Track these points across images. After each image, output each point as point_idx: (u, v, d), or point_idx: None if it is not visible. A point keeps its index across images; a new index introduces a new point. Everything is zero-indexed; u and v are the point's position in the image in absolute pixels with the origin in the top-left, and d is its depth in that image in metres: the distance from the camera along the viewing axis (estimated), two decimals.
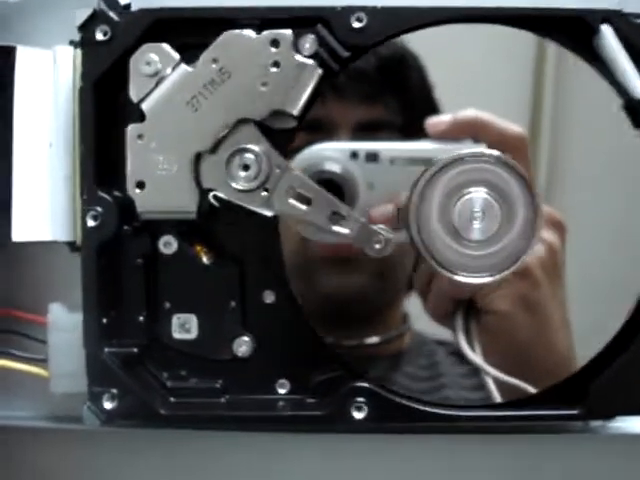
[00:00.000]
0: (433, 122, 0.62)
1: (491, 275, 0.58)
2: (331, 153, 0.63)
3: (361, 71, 0.63)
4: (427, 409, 0.59)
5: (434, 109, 0.64)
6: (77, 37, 0.59)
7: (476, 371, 0.62)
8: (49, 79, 0.61)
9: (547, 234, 0.61)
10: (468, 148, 0.59)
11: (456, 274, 0.58)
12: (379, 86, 0.65)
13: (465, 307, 0.62)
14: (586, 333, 0.63)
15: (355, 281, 0.67)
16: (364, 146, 0.62)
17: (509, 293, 0.61)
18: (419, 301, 0.65)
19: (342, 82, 0.63)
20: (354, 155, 0.62)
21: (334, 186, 0.62)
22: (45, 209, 0.61)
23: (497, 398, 0.61)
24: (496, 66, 0.65)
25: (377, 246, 0.57)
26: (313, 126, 0.62)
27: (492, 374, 0.61)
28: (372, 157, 0.62)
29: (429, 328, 0.65)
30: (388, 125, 0.65)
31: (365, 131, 0.64)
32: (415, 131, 0.62)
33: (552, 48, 0.61)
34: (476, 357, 0.61)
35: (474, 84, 0.65)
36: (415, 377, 0.77)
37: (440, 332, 0.65)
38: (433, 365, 0.81)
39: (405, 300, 0.77)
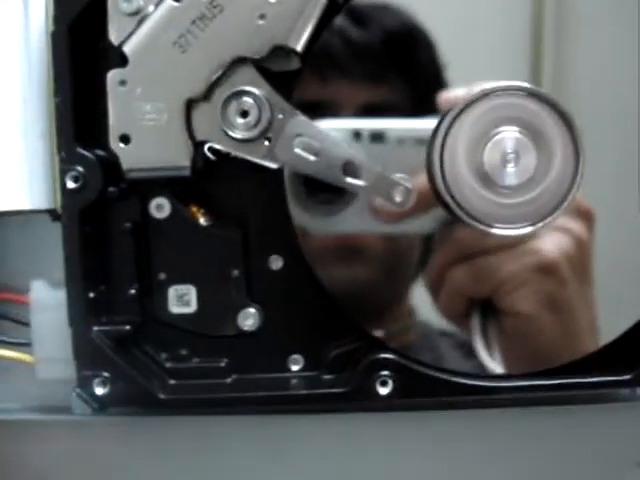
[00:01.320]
0: (446, 97, 0.55)
1: (532, 224, 0.51)
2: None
3: (366, 47, 0.57)
4: (461, 380, 0.52)
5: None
6: None
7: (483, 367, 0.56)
8: (20, 29, 0.54)
9: (574, 225, 0.54)
10: None
11: (491, 227, 0.51)
12: (385, 64, 0.59)
13: (482, 306, 0.55)
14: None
15: (360, 274, 0.61)
16: (368, 125, 0.55)
17: (533, 292, 0.54)
18: (425, 293, 0.58)
19: (344, 59, 0.57)
20: (357, 135, 0.55)
21: None
22: (21, 174, 0.54)
23: None
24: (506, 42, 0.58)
25: (397, 198, 0.50)
26: (314, 108, 0.56)
27: None
28: (377, 137, 0.55)
29: (433, 317, 0.59)
30: (395, 107, 0.59)
31: (370, 113, 0.58)
32: (425, 114, 0.56)
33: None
34: (496, 365, 0.54)
35: (486, 62, 0.58)
36: None
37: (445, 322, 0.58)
38: (438, 361, 0.75)
39: (412, 292, 0.71)
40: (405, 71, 0.58)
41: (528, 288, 0.54)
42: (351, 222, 0.55)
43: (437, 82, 0.59)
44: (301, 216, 0.54)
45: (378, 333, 0.66)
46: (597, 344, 0.55)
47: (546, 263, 0.54)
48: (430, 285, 0.57)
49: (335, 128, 0.55)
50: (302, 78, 0.53)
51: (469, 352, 0.72)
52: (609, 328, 0.56)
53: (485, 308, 0.56)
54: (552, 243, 0.54)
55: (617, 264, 0.57)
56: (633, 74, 0.53)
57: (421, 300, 0.58)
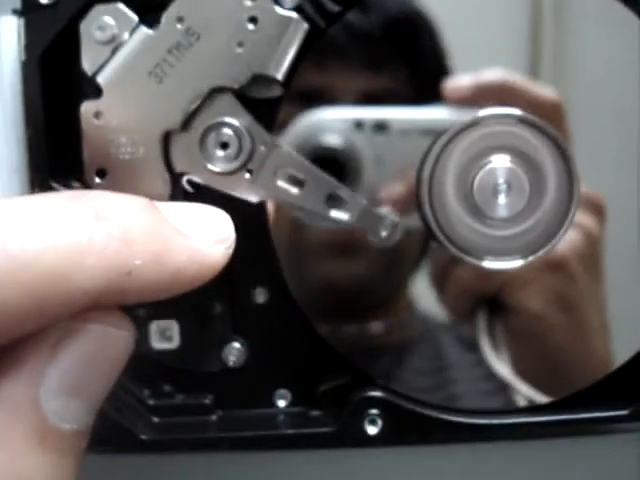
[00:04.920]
0: (452, 85, 0.53)
1: (523, 257, 0.49)
2: (331, 123, 0.53)
3: (365, 33, 0.55)
4: (453, 418, 0.50)
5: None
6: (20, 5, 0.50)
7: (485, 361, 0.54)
8: None
9: (584, 219, 0.52)
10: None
11: (482, 260, 0.49)
12: (386, 51, 0.57)
13: (488, 304, 0.53)
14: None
15: (357, 269, 0.59)
16: (370, 114, 0.53)
17: (541, 290, 0.52)
18: (426, 285, 0.56)
19: (343, 45, 0.54)
20: (359, 125, 0.53)
21: (335, 163, 0.53)
22: None
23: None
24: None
25: (383, 233, 0.48)
26: (310, 96, 0.53)
27: (523, 392, 0.52)
28: (380, 127, 0.53)
29: (434, 310, 0.57)
30: (396, 96, 0.56)
31: (369, 103, 0.56)
32: (426, 103, 0.53)
33: None
34: (503, 366, 0.52)
35: (488, 49, 0.56)
36: (419, 371, 0.70)
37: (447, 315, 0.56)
38: (438, 355, 0.74)
39: (411, 285, 0.69)
40: (406, 58, 0.56)
41: (536, 285, 0.52)
42: None
43: (439, 70, 0.57)
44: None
45: (376, 327, 0.65)
46: (608, 344, 0.53)
47: (555, 259, 0.52)
48: (435, 282, 0.55)
49: (337, 118, 0.53)
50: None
51: (471, 346, 0.70)
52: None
53: (492, 306, 0.54)
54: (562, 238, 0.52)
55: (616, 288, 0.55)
56: (634, 61, 0.52)
57: (422, 292, 0.56)
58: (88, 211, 0.31)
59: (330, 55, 0.57)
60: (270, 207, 0.51)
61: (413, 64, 0.59)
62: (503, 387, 0.55)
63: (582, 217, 0.52)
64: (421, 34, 0.60)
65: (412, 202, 0.50)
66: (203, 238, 0.36)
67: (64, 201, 0.31)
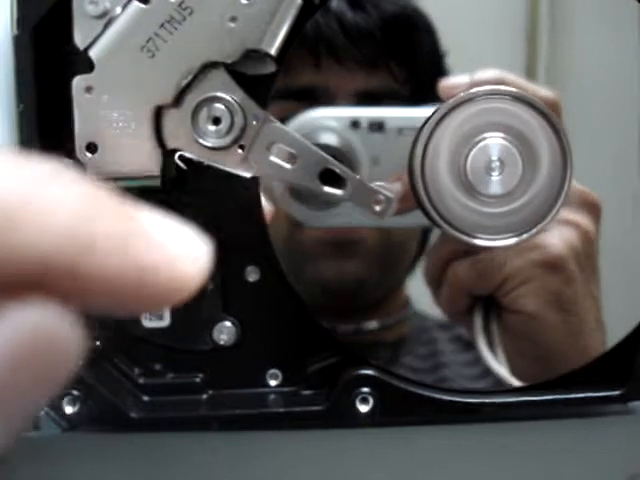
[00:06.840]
0: (448, 84, 0.52)
1: (517, 236, 0.49)
2: (327, 122, 0.53)
3: (362, 31, 0.55)
4: (445, 397, 0.50)
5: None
6: None
7: (480, 359, 0.54)
8: None
9: (580, 218, 0.52)
10: None
11: (475, 237, 0.49)
12: (383, 50, 0.56)
13: (484, 303, 0.53)
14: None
15: (355, 268, 0.58)
16: (367, 113, 0.53)
17: (538, 290, 0.52)
18: (422, 285, 0.56)
19: (340, 44, 0.54)
20: (355, 124, 0.53)
21: None
22: None
23: None
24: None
25: (377, 207, 0.48)
26: (305, 95, 0.53)
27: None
28: (377, 126, 0.53)
29: (430, 309, 0.56)
30: (393, 95, 0.56)
31: (366, 102, 0.55)
32: (423, 103, 0.53)
33: None
34: (498, 365, 0.52)
35: (486, 49, 0.56)
36: (414, 369, 0.70)
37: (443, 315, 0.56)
38: (433, 354, 0.73)
39: (408, 284, 0.69)
40: (403, 57, 0.56)
41: (533, 285, 0.52)
42: (350, 215, 0.53)
43: (437, 69, 0.56)
44: (297, 209, 0.51)
45: (372, 325, 0.65)
46: (603, 343, 0.53)
47: (552, 259, 0.52)
48: (431, 280, 0.55)
49: (333, 116, 0.53)
50: (295, 63, 0.50)
51: (466, 345, 0.69)
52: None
53: (488, 305, 0.53)
54: (558, 238, 0.52)
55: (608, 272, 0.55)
56: (631, 59, 0.52)
57: (418, 291, 0.56)
58: (51, 171, 0.25)
59: (327, 54, 0.56)
60: (267, 207, 0.50)
61: (410, 63, 0.59)
62: (498, 386, 0.55)
63: (578, 216, 0.52)
64: (418, 33, 0.60)
65: (409, 201, 0.50)
66: (178, 248, 0.28)
67: (26, 158, 0.25)
